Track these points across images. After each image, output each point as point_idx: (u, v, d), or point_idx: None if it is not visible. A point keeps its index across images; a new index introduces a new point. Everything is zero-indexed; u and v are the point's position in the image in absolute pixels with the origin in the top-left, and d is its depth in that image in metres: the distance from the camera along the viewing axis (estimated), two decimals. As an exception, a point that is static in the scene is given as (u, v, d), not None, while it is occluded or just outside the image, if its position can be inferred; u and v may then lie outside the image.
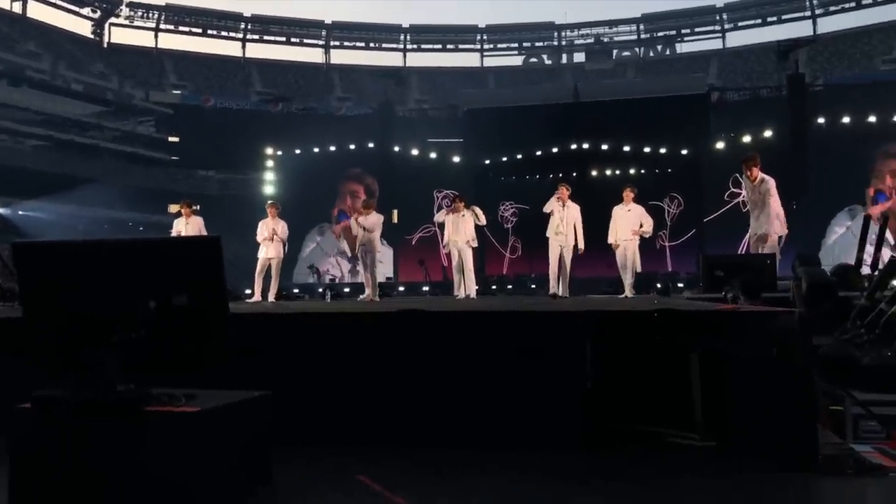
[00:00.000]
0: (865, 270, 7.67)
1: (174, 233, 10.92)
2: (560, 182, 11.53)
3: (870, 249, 7.97)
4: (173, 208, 37.16)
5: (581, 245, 10.37)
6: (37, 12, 44.16)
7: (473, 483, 3.08)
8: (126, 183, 35.21)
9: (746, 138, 21.43)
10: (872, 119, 20.74)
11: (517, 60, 48.77)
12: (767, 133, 21.16)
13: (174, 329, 2.62)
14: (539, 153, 22.34)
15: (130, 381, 2.63)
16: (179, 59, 46.44)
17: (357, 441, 3.45)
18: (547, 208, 10.43)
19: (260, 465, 2.97)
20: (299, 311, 4.52)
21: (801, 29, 42.69)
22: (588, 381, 3.62)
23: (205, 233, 10.90)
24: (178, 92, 43.03)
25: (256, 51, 49.07)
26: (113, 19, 47.01)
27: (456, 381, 3.53)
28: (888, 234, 19.46)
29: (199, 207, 12.78)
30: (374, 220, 10.83)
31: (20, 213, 32.27)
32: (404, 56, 49.19)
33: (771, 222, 8.61)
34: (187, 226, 10.75)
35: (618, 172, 22.41)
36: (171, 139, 40.47)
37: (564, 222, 10.32)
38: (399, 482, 3.06)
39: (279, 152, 25.30)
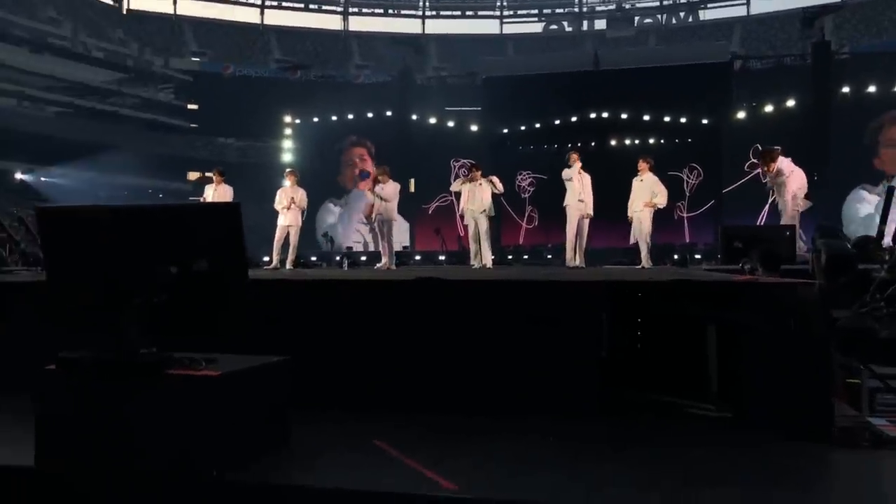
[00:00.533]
0: (888, 242, 7.58)
1: (203, 199, 10.95)
2: (572, 150, 11.42)
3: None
4: (192, 175, 37.43)
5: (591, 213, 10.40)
6: (56, -22, 44.08)
7: (490, 448, 3.12)
8: (146, 150, 35.40)
9: (769, 108, 21.08)
10: (900, 88, 20.31)
11: (537, 27, 48.09)
12: (790, 103, 20.80)
13: (195, 294, 2.67)
14: (558, 122, 22.11)
15: (153, 345, 2.69)
16: (199, 26, 46.30)
17: (374, 407, 3.50)
18: (567, 175, 10.36)
19: (278, 428, 3.03)
20: (318, 278, 4.56)
21: (829, -5, 41.61)
22: (604, 351, 3.64)
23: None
24: (198, 59, 42.98)
25: (275, 18, 48.74)
26: (132, -15, 46.86)
27: (473, 349, 3.56)
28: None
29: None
30: (392, 189, 10.82)
31: (42, 179, 32.58)
32: (423, 23, 48.66)
33: (786, 206, 9.30)
34: (215, 192, 10.80)
35: (637, 142, 22.17)
36: (190, 106, 40.53)
37: (585, 189, 10.30)
38: (415, 447, 3.10)
39: (297, 120, 25.28)
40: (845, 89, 20.90)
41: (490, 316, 3.62)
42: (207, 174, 12.27)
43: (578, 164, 10.34)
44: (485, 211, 10.84)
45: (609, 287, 3.63)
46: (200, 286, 2.67)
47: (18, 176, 32.43)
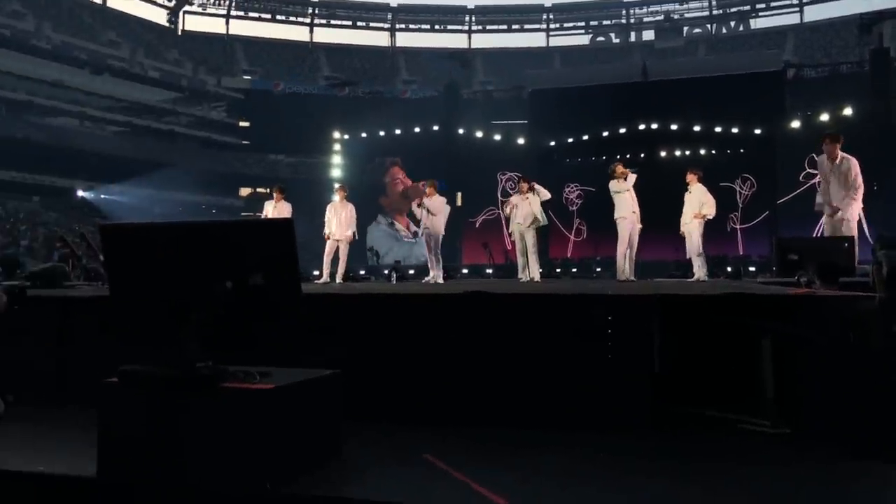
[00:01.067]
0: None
1: (263, 215, 11.12)
2: (618, 161, 11.21)
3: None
4: (244, 192, 38.27)
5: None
6: (116, 2, 45.89)
7: (539, 462, 3.10)
8: (199, 167, 36.38)
9: (824, 117, 20.55)
10: (964, 95, 19.60)
11: (584, 40, 47.95)
12: (847, 111, 20.23)
13: (250, 308, 2.72)
14: (605, 134, 21.95)
15: (209, 359, 2.75)
16: (250, 45, 47.51)
17: (424, 420, 3.51)
18: (618, 188, 10.16)
19: (330, 441, 3.06)
20: (368, 292, 4.61)
21: (886, 1, 40.48)
22: (657, 365, 3.58)
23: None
24: (249, 77, 44.08)
25: (324, 35, 49.71)
26: (187, 7, 48.39)
27: (522, 363, 3.55)
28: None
29: (268, 191, 13.05)
30: (439, 203, 10.87)
31: (102, 196, 33.75)
32: (469, 37, 48.98)
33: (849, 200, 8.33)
34: (275, 209, 11.01)
35: (687, 153, 21.84)
36: (241, 124, 41.54)
37: (635, 200, 10.15)
38: (464, 461, 3.10)
39: (346, 136, 25.63)
40: (905, 96, 20.28)
41: (539, 329, 3.61)
42: (259, 189, 12.58)
43: (634, 177, 10.16)
44: (532, 223, 10.78)
45: (661, 300, 3.59)
46: (255, 301, 2.73)
47: (80, 193, 33.67)
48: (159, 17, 47.77)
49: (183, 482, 2.65)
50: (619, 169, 10.21)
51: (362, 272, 19.77)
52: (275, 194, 11.13)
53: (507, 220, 11.36)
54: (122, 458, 2.75)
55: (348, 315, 3.83)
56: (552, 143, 22.92)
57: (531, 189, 10.90)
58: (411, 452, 3.23)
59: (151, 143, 37.49)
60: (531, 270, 10.84)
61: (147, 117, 39.40)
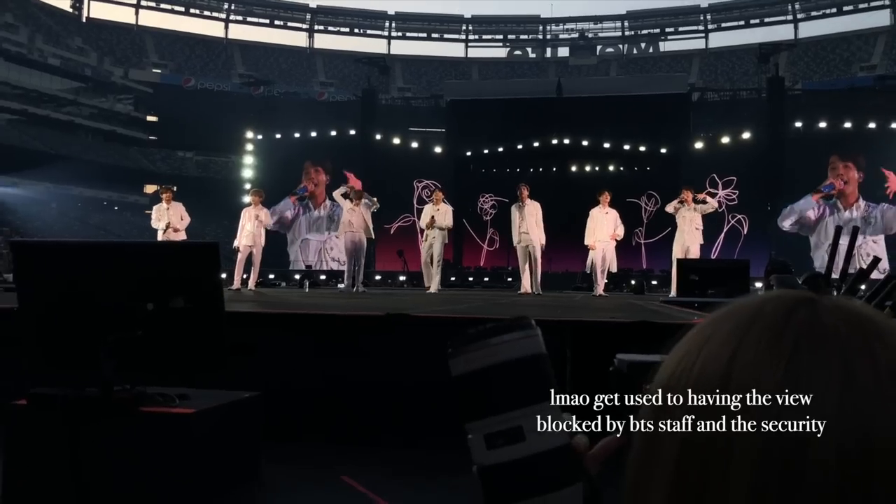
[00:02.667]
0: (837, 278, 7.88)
1: (153, 217, 10.87)
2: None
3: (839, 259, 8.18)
4: (149, 189, 36.90)
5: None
6: (14, -17, 43.24)
7: (455, 484, 3.18)
8: (102, 161, 34.84)
9: (725, 139, 21.72)
10: (848, 125, 21.11)
11: (502, 53, 48.82)
12: (746, 135, 21.47)
13: (171, 331, 2.69)
14: (520, 147, 22.46)
15: (127, 381, 2.70)
16: (160, 38, 45.85)
17: (344, 441, 3.54)
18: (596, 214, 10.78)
19: (249, 463, 3.06)
20: (291, 311, 4.59)
21: (783, 33, 43.20)
22: (568, 388, 3.74)
23: (186, 219, 10.92)
24: (159, 71, 42.52)
25: (239, 32, 48.53)
26: (92, -7, 46.24)
27: (442, 385, 3.63)
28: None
29: (175, 189, 12.76)
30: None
31: (-6, 187, 31.79)
32: (389, 43, 48.97)
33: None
34: (168, 210, 10.72)
35: (597, 169, 22.63)
36: (149, 118, 40.05)
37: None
38: (381, 483, 3.15)
39: (259, 136, 25.10)
40: (798, 123, 21.66)
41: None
42: (150, 188, 12.33)
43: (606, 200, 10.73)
44: (442, 232, 10.88)
45: (573, 326, 3.75)
46: (177, 323, 2.70)
47: (-32, 184, 31.60)
48: (62, 2, 45.46)
49: (96, 509, 2.59)
50: (603, 196, 10.74)
51: (271, 276, 19.42)
52: (164, 196, 10.89)
53: (422, 230, 11.46)
54: (30, 485, 2.66)
55: (270, 335, 3.81)
56: (468, 153, 23.25)
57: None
58: (329, 473, 3.25)
59: (49, 134, 35.61)
60: (435, 281, 10.94)
61: (46, 106, 37.40)
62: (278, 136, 25.04)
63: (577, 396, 0.70)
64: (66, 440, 2.64)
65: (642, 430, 0.49)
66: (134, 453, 2.60)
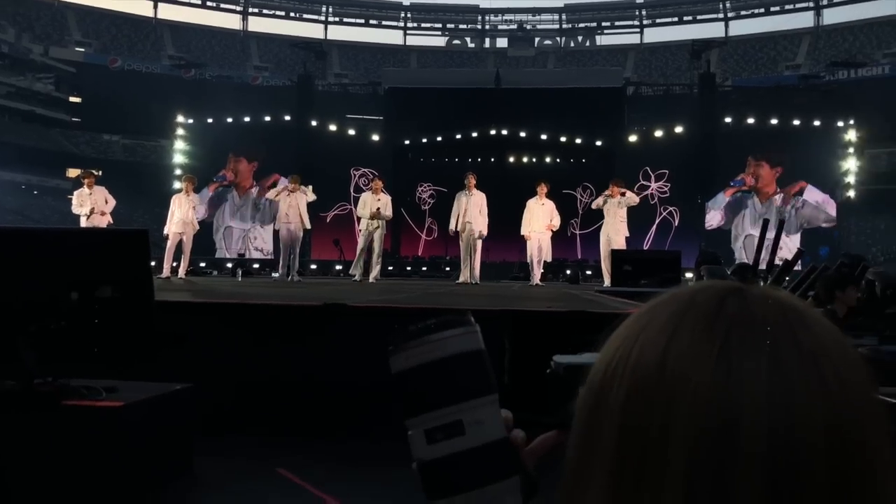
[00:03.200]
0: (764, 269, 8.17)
1: (75, 202, 10.41)
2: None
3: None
4: (72, 173, 35.45)
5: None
6: (-76, -48, 40.68)
7: (395, 476, 3.15)
8: (21, 143, 33.27)
9: (658, 133, 22.23)
10: (774, 121, 21.91)
11: (440, 41, 48.66)
12: (678, 129, 22.03)
13: (97, 321, 2.57)
14: (459, 136, 22.48)
15: (49, 374, 2.57)
16: (84, 14, 43.90)
17: (279, 433, 3.47)
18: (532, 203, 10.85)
19: (181, 457, 2.96)
20: (224, 301, 4.46)
21: (714, 30, 44.44)
22: (506, 376, 3.75)
23: (111, 201, 10.52)
24: (82, 50, 40.74)
25: (169, 12, 46.87)
26: (11, -34, 43.89)
27: (380, 375, 3.59)
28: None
29: (100, 173, 12.32)
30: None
31: None
32: (325, 28, 48.22)
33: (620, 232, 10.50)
34: (91, 196, 10.30)
35: (534, 160, 22.85)
36: (72, 99, 38.39)
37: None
38: (318, 474, 3.10)
39: (190, 120, 24.35)
40: (728, 119, 22.35)
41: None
42: (73, 172, 11.88)
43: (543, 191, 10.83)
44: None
45: (513, 316, 3.76)
46: (103, 313, 2.58)
47: None
48: (-23, -27, 43.01)
49: (15, 509, 2.46)
50: (539, 187, 10.82)
51: (202, 264, 18.93)
52: (85, 181, 10.47)
53: (359, 218, 11.28)
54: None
55: (202, 325, 3.69)
56: (407, 142, 23.13)
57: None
58: (264, 466, 3.17)
59: (-37, 113, 33.77)
60: (375, 270, 10.85)
61: (-42, 84, 35.46)
62: (210, 120, 24.33)
63: (515, 392, 0.72)
64: (-18, 437, 2.49)
65: (581, 417, 0.51)
66: (57, 448, 2.48)
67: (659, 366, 0.47)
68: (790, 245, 18.36)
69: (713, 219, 21.62)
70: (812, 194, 21.52)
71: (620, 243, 10.46)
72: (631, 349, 0.49)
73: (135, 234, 2.63)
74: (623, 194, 10.81)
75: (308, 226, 10.75)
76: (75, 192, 10.59)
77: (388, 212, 10.71)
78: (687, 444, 0.44)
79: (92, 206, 10.18)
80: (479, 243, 10.70)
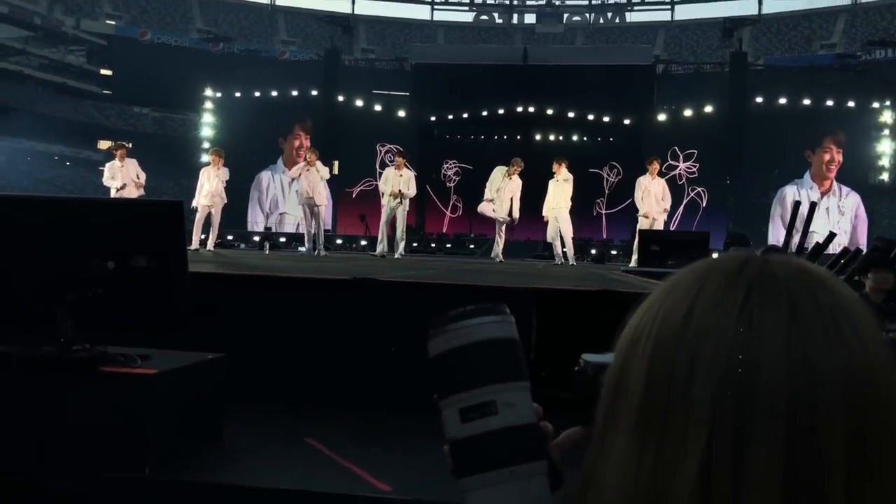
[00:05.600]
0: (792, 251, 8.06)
1: (106, 175, 10.56)
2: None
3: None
4: (103, 145, 35.88)
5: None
6: (-43, -77, 41.04)
7: (422, 447, 3.19)
8: (53, 114, 33.68)
9: (688, 112, 21.94)
10: (806, 101, 21.48)
11: (468, 17, 48.16)
12: (708, 108, 21.71)
13: (133, 291, 2.62)
14: (485, 113, 22.35)
15: (86, 340, 2.62)
16: (115, -13, 44.09)
17: (309, 404, 3.52)
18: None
19: (212, 425, 3.01)
20: (256, 273, 4.51)
21: (747, 7, 43.40)
22: (532, 352, 3.77)
23: (143, 175, 10.65)
24: (113, 22, 40.96)
25: (198, -15, 46.87)
26: (42, -62, 44.13)
27: (407, 349, 3.62)
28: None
29: (131, 145, 12.44)
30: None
31: (-65, 139, 30.54)
32: (353, 2, 47.91)
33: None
34: (122, 168, 10.44)
35: (561, 138, 22.67)
36: (103, 72, 38.71)
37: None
38: (347, 446, 3.14)
39: (218, 94, 24.52)
40: (759, 99, 21.95)
41: (423, 317, 3.68)
42: (104, 144, 12.01)
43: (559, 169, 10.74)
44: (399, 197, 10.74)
45: (538, 294, 3.77)
46: (139, 283, 2.62)
47: None
48: (9, -55, 43.31)
49: (56, 471, 2.53)
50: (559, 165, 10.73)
51: (230, 237, 19.12)
52: (117, 153, 10.60)
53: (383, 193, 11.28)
54: (-16, 445, 2.58)
55: (234, 296, 3.74)
56: (433, 119, 23.06)
57: (407, 165, 10.99)
58: (293, 436, 3.23)
59: (-3, 84, 34.21)
60: (401, 246, 10.88)
61: (-8, 55, 35.90)
62: (238, 94, 24.49)
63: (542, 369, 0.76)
64: (23, 398, 2.56)
65: (611, 374, 0.55)
66: (93, 413, 2.54)
67: (684, 319, 0.50)
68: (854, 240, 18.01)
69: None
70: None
71: (661, 224, 10.48)
72: (658, 310, 0.53)
73: (170, 206, 2.67)
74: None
75: (320, 202, 10.78)
76: (107, 165, 10.73)
77: (410, 190, 10.70)
78: (710, 388, 0.47)
79: (123, 179, 10.32)
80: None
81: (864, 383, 0.46)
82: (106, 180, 10.40)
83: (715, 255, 0.62)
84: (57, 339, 2.57)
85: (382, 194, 11.02)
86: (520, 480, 0.61)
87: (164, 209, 2.72)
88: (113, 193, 10.17)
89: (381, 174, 21.09)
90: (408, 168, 11.05)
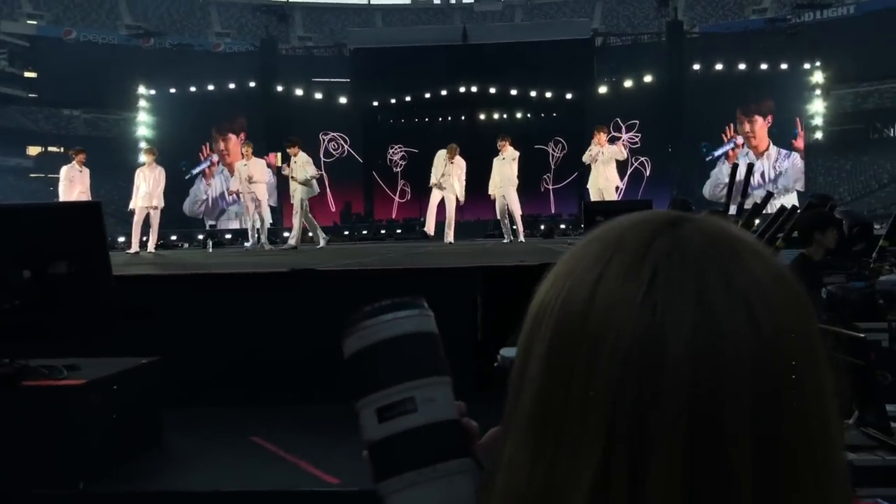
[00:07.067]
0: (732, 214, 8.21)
1: (64, 180, 9.99)
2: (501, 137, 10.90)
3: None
4: (33, 150, 34.63)
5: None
6: None
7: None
8: (-23, 122, 32.35)
9: (628, 83, 22.16)
10: (742, 66, 21.91)
11: (405, -1, 47.73)
12: (648, 78, 21.96)
13: (54, 298, 2.49)
14: (428, 95, 22.22)
15: (7, 355, 2.50)
16: (34, -14, 42.35)
17: (252, 402, 3.44)
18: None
19: (150, 430, 2.92)
20: (188, 272, 4.37)
21: (679, -24, 43.96)
22: (480, 334, 3.74)
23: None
24: (34, 22, 39.37)
25: (124, -21, 45.36)
26: (-48, -63, 42.09)
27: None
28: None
29: (62, 150, 11.94)
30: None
31: None
32: (287, -10, 47.00)
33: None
34: (81, 174, 10.01)
35: (505, 116, 22.69)
36: (27, 74, 37.23)
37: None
38: (292, 442, 3.08)
39: (153, 91, 23.84)
40: (696, 66, 22.29)
41: (366, 304, 3.62)
42: (51, 149, 11.51)
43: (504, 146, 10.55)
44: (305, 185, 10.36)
45: (484, 272, 3.74)
46: (60, 289, 2.50)
47: None
48: (-81, -54, 41.16)
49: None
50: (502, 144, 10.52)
51: (173, 238, 18.64)
52: (76, 158, 10.11)
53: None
54: None
55: (170, 297, 3.62)
56: (375, 104, 22.83)
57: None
58: (236, 436, 3.15)
59: None
60: (317, 236, 10.65)
61: None
62: (173, 90, 23.84)
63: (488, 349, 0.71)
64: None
65: (515, 361, 0.50)
66: (19, 430, 2.42)
67: (585, 305, 0.45)
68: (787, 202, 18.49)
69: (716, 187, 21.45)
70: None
71: (612, 193, 10.29)
72: (560, 290, 0.48)
73: (87, 206, 2.56)
74: (611, 141, 10.59)
75: (262, 196, 10.57)
76: (63, 169, 10.12)
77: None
78: (611, 380, 0.43)
79: (81, 185, 9.88)
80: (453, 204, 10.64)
81: (776, 370, 0.43)
82: (63, 188, 9.82)
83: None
84: (-27, 356, 2.44)
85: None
86: (442, 479, 0.58)
87: (81, 211, 2.60)
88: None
89: (326, 163, 20.83)
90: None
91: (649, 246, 0.46)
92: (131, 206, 10.29)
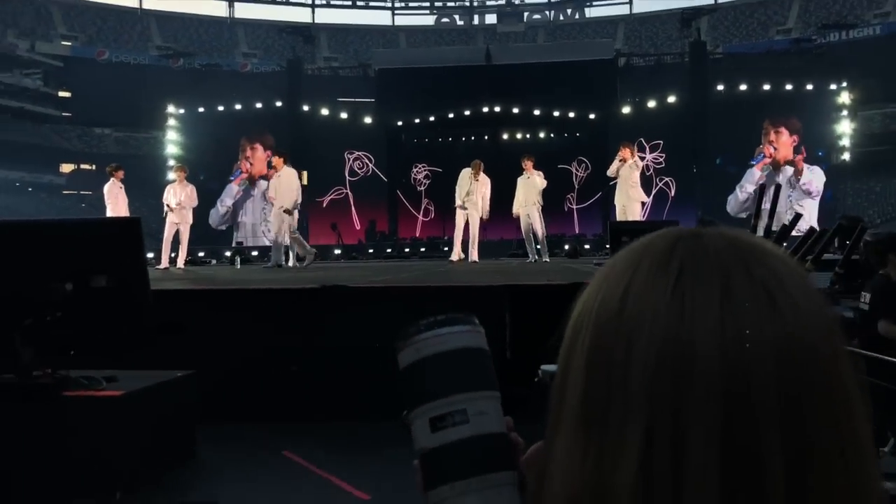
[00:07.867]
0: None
1: (109, 200, 10.17)
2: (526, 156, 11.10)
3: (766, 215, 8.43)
4: (66, 168, 35.31)
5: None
6: None
7: (399, 455, 3.15)
8: (11, 140, 33.07)
9: (651, 103, 22.10)
10: (766, 87, 21.78)
11: (429, 20, 48.16)
12: (671, 99, 21.89)
13: (93, 311, 2.55)
14: (451, 115, 22.32)
15: (48, 366, 2.55)
16: (67, 8, 43.37)
17: (284, 418, 3.46)
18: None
19: (184, 443, 2.95)
20: (222, 287, 4.43)
21: (703, -4, 44.00)
22: (508, 351, 3.75)
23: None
24: (69, 44, 40.33)
25: (154, 2, 46.36)
26: (-9, -38, 43.34)
27: (380, 356, 3.58)
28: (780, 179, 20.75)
29: (94, 167, 12.12)
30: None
31: None
32: (313, 12, 47.66)
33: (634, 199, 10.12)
34: (121, 189, 10.24)
35: (528, 136, 22.73)
36: (61, 94, 38.08)
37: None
38: (324, 457, 3.10)
39: (181, 110, 24.23)
40: (720, 86, 22.19)
41: (395, 322, 3.65)
42: (84, 166, 11.68)
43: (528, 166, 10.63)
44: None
45: (510, 290, 3.75)
46: (99, 302, 2.56)
47: None
48: (-42, -30, 42.43)
49: (22, 498, 2.46)
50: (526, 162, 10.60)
51: (201, 254, 18.86)
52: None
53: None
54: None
55: (202, 312, 3.67)
56: (399, 123, 22.99)
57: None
58: (269, 450, 3.17)
59: (-50, 112, 33.49)
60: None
61: (-55, 82, 35.14)
62: (201, 109, 24.22)
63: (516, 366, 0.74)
64: (-16, 431, 2.48)
65: (557, 370, 0.53)
66: (58, 439, 2.47)
67: (619, 305, 0.49)
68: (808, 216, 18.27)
69: (738, 204, 21.28)
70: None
71: (636, 211, 10.22)
72: (595, 298, 0.51)
73: (127, 223, 2.61)
74: (634, 157, 10.49)
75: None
76: (106, 188, 10.29)
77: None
78: (647, 376, 0.46)
79: (123, 202, 10.11)
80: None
81: (800, 354, 0.46)
82: (111, 206, 9.98)
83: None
84: (16, 366, 2.50)
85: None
86: (491, 489, 0.59)
87: (121, 227, 2.66)
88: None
89: (351, 182, 20.90)
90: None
91: (674, 247, 0.50)
92: (165, 208, 10.45)
